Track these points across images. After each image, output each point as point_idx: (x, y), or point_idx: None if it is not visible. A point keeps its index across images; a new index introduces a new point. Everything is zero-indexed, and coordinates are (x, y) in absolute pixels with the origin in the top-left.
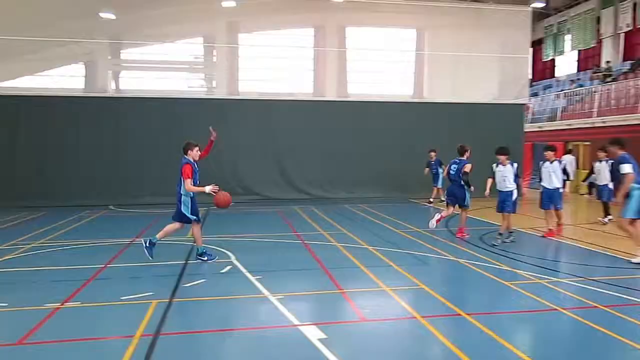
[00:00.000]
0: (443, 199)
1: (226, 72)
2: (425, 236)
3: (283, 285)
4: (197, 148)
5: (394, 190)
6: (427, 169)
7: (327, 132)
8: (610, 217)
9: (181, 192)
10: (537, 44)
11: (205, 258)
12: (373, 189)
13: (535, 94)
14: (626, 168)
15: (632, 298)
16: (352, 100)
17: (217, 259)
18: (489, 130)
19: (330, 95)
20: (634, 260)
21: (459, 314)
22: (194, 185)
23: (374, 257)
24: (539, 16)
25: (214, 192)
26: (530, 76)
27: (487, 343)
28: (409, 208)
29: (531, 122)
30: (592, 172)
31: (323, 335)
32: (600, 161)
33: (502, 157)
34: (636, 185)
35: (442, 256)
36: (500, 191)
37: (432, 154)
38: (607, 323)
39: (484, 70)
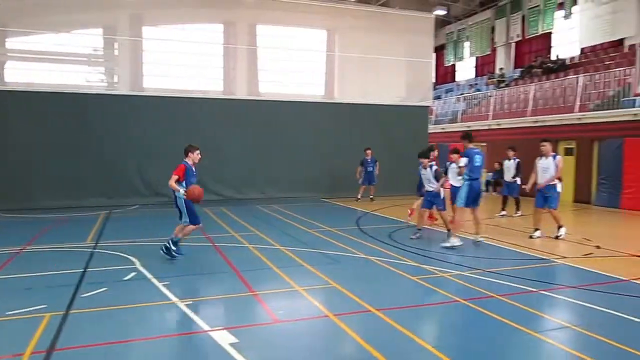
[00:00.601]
0: (372, 196)
1: (129, 67)
2: (337, 235)
3: (192, 290)
4: (197, 151)
5: (306, 190)
6: (359, 168)
7: (238, 131)
8: (519, 212)
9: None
10: (439, 50)
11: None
12: (285, 189)
13: (438, 97)
14: (462, 162)
15: (523, 287)
16: (264, 100)
17: (122, 273)
18: (397, 131)
19: (241, 93)
20: (446, 244)
21: (370, 311)
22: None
23: (287, 258)
24: (441, 23)
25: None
26: (433, 80)
27: (396, 337)
28: (322, 208)
29: (435, 124)
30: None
31: (235, 340)
32: (509, 159)
33: (424, 161)
34: (466, 177)
35: (353, 254)
36: (427, 191)
37: (368, 152)
38: (501, 311)
39: (391, 73)
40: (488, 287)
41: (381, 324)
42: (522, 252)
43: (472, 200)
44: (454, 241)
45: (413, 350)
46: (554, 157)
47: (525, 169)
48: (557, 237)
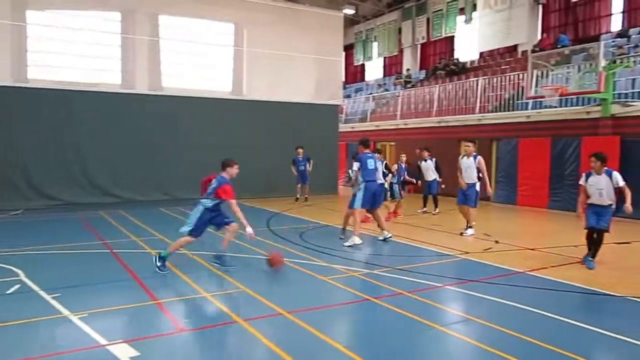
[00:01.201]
0: (300, 197)
1: (9, 55)
2: (247, 237)
3: (87, 302)
4: (237, 166)
5: None
6: (293, 167)
7: (137, 127)
8: (438, 210)
9: (208, 205)
10: (349, 49)
11: (159, 264)
12: (190, 190)
13: (348, 96)
14: (355, 166)
15: (429, 282)
16: (167, 95)
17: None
18: (307, 130)
19: (142, 87)
20: (348, 243)
21: (281, 314)
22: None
23: (193, 263)
24: (350, 22)
25: (252, 236)
26: (343, 79)
27: (308, 339)
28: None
29: (345, 123)
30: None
31: (136, 353)
32: (425, 160)
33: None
34: (361, 180)
35: (264, 257)
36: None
37: (300, 150)
38: (409, 307)
39: (301, 70)
40: (397, 285)
41: (292, 326)
42: (429, 248)
43: (371, 201)
44: (356, 240)
45: (324, 352)
46: (475, 157)
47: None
48: (461, 234)
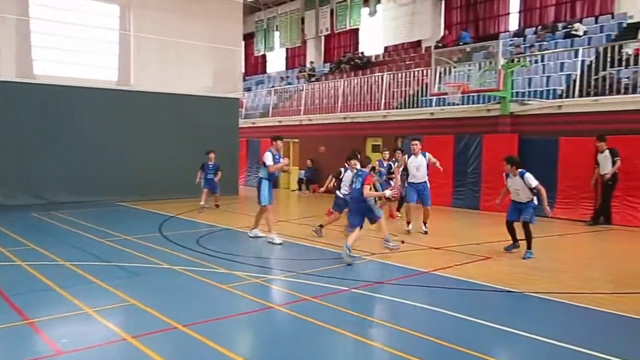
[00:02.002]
0: (207, 205)
1: None
2: (136, 244)
3: None
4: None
5: (98, 193)
6: (200, 171)
7: (2, 121)
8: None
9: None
10: (249, 38)
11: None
12: (69, 192)
13: (248, 89)
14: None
15: (336, 286)
16: (40, 83)
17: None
18: (204, 125)
19: (8, 74)
20: (264, 236)
21: (176, 327)
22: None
23: (73, 275)
24: (250, 9)
25: (394, 196)
26: (243, 70)
27: (207, 354)
28: (118, 213)
29: (245, 118)
30: (307, 167)
31: None
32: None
33: (350, 162)
34: (265, 176)
35: (155, 265)
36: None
37: (211, 155)
38: (316, 313)
39: (196, 60)
40: (302, 290)
41: (189, 341)
42: (335, 251)
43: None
44: (275, 238)
45: None
46: (424, 154)
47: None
48: (425, 233)
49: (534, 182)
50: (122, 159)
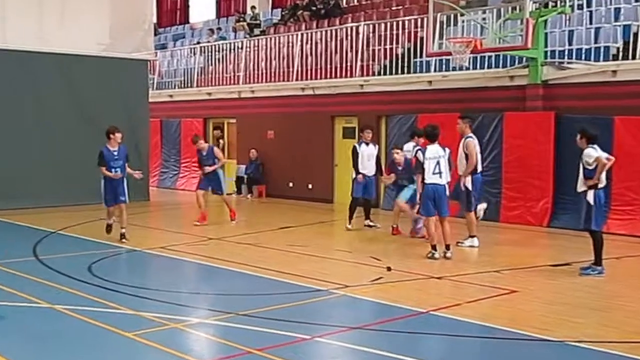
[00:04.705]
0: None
1: None
2: (2, 273)
3: None
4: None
5: None
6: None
7: None
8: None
9: None
10: None
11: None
12: None
13: (163, 47)
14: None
15: (293, 334)
16: None
17: None
18: (98, 98)
19: None
20: None
21: None
22: None
23: None
24: None
25: None
26: (155, 19)
27: None
28: None
29: (158, 89)
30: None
31: None
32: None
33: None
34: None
35: (28, 304)
36: None
37: (117, 134)
38: None
39: (87, 7)
40: (243, 339)
41: None
42: (292, 282)
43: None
44: None
45: None
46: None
47: (293, 152)
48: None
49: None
50: None
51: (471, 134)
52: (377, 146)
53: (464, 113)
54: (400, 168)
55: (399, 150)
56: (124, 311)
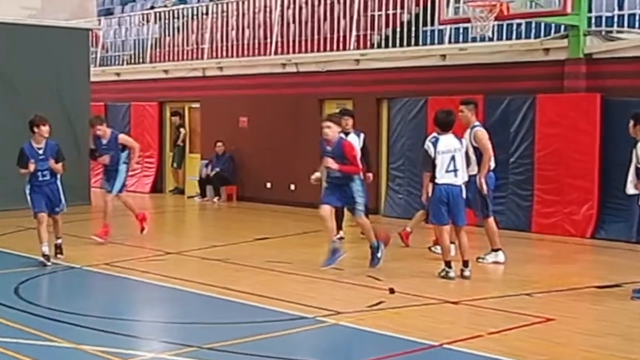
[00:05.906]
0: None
1: None
2: None
3: None
4: None
5: None
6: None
7: None
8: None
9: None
10: None
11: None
12: None
13: (108, 12)
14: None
15: None
16: None
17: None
18: (24, 77)
19: None
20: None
21: None
22: None
23: None
24: None
25: None
26: None
27: None
28: None
29: (102, 65)
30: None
31: None
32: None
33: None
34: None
35: None
36: None
37: (43, 128)
38: None
39: None
40: None
41: None
42: (270, 307)
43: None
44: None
45: None
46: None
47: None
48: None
49: None
50: None
51: (478, 122)
52: (362, 135)
53: (466, 99)
54: (329, 148)
55: (330, 124)
56: (60, 344)
